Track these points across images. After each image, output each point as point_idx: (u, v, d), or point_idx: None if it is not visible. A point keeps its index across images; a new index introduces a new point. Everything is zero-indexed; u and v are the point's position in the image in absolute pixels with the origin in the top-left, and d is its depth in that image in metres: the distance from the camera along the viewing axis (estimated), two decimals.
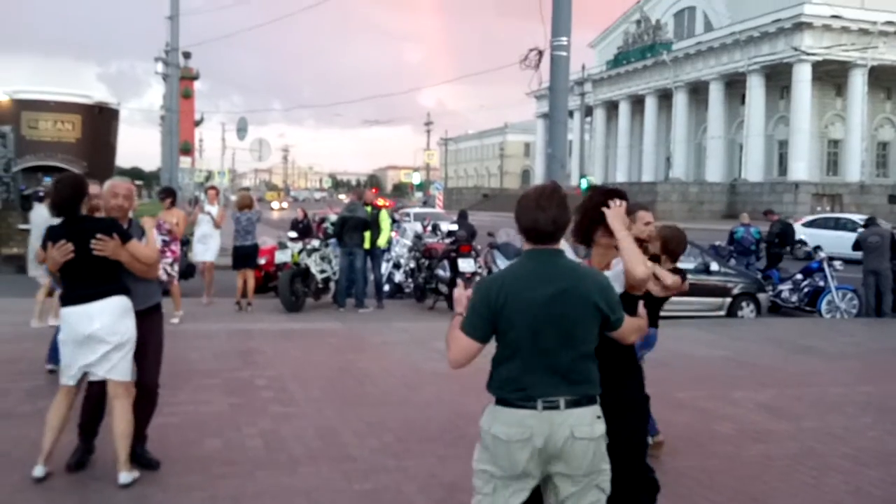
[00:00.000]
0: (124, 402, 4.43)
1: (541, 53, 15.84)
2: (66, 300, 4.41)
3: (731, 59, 56.58)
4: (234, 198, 34.08)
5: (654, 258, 4.83)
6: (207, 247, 12.21)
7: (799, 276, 13.76)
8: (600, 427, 2.68)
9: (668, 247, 4.98)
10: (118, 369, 4.38)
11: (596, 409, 2.69)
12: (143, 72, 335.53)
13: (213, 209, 12.44)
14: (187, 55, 31.63)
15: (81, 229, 4.33)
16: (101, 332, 4.29)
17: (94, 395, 4.62)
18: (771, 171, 56.43)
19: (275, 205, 76.62)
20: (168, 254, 9.00)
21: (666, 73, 63.48)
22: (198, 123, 38.97)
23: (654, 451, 5.28)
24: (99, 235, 4.27)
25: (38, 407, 5.35)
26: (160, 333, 4.87)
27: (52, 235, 4.38)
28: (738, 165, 58.79)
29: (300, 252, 12.20)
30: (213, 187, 13.85)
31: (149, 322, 4.66)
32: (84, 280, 4.34)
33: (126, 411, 4.42)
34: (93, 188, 4.75)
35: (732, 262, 15.04)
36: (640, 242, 5.12)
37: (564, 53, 14.67)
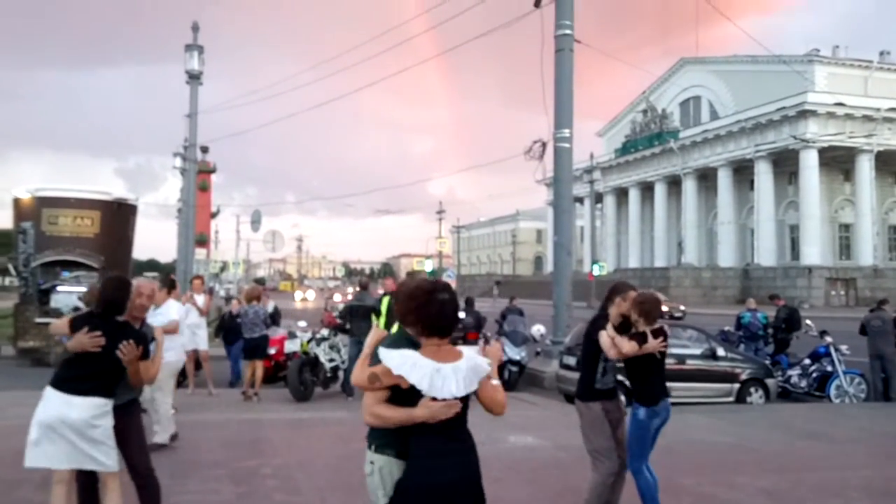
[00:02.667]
0: (113, 488, 4.53)
1: (544, 145, 16.34)
2: (58, 383, 4.51)
3: (737, 147, 57.51)
4: (246, 287, 34.51)
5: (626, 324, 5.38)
6: (198, 336, 12.30)
7: (807, 361, 13.75)
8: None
9: (643, 308, 5.27)
10: (100, 462, 4.47)
11: None
12: (159, 166, 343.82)
13: (199, 298, 12.55)
14: (205, 149, 32.56)
15: (119, 332, 4.54)
16: (78, 423, 4.38)
17: (85, 484, 4.72)
18: (784, 256, 56.55)
19: (297, 295, 73.15)
20: None
21: (674, 160, 64.47)
22: (214, 215, 39.75)
23: None
24: (130, 342, 4.50)
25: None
26: (139, 421, 5.05)
27: (90, 323, 4.53)
28: (750, 250, 59.00)
29: (309, 341, 12.37)
30: (198, 277, 13.98)
31: (128, 414, 4.84)
32: (89, 373, 4.49)
33: (116, 499, 4.53)
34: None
35: (741, 347, 15.06)
36: (621, 317, 5.48)
37: (567, 145, 15.15)
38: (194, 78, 23.70)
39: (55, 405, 4.44)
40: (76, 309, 13.89)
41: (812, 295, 48.13)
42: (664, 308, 5.10)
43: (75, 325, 4.58)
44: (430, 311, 3.04)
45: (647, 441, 5.34)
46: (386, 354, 2.95)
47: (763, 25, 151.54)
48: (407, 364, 2.91)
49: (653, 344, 5.23)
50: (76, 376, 4.51)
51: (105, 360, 4.48)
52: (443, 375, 2.90)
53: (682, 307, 39.73)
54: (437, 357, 2.96)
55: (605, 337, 5.35)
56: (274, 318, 12.97)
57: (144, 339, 4.67)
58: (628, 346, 5.19)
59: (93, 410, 4.46)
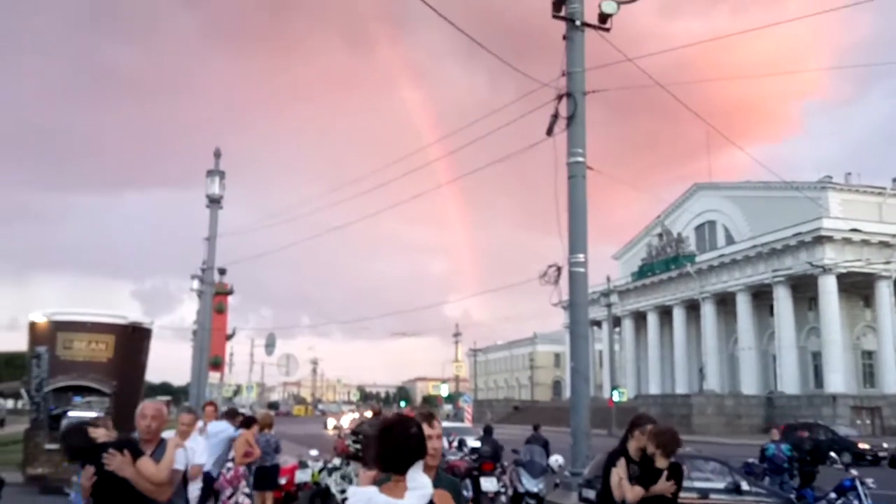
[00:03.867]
0: None
1: (559, 269, 16.33)
2: None
3: (755, 271, 57.44)
4: (261, 410, 34.00)
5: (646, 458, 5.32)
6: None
7: (833, 495, 13.12)
8: None
9: (659, 441, 5.25)
10: None
11: None
12: (175, 288, 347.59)
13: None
14: (223, 271, 32.91)
15: (100, 453, 4.44)
16: None
17: None
18: (807, 383, 55.34)
19: (330, 422, 59.81)
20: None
21: (691, 285, 64.35)
22: (229, 337, 39.65)
23: None
24: (110, 451, 4.38)
25: None
26: None
27: (84, 463, 4.53)
28: (773, 377, 57.87)
29: (321, 471, 12.02)
30: (210, 403, 13.65)
31: None
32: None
33: None
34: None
35: (766, 480, 14.46)
36: (639, 450, 5.38)
37: (582, 270, 15.11)
38: (215, 202, 24.23)
39: None
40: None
41: (837, 423, 46.71)
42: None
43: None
44: (384, 447, 3.04)
45: None
46: (352, 492, 3.05)
47: (773, 152, 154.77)
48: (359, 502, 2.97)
49: (662, 486, 5.15)
50: None
51: (110, 484, 4.35)
52: None
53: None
54: (392, 494, 2.96)
55: (615, 476, 5.34)
56: None
57: (126, 442, 4.58)
58: (632, 495, 5.19)
59: None
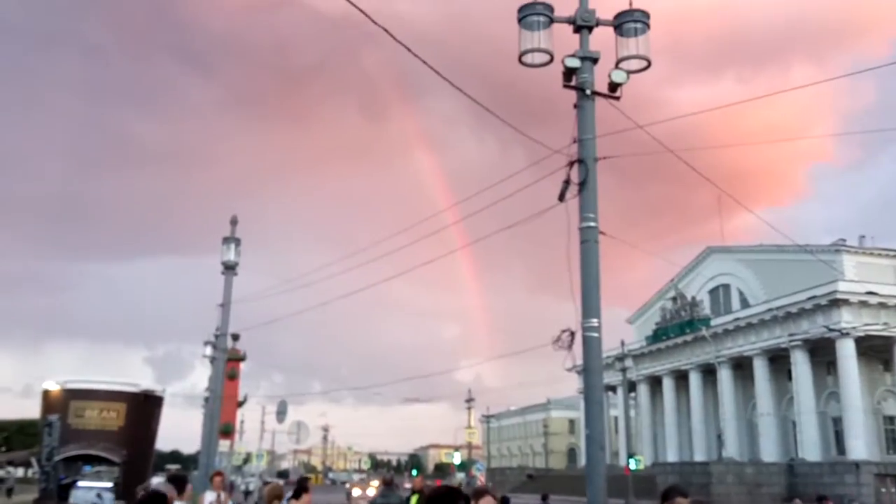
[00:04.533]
0: None
1: (573, 334, 16.19)
2: None
3: (771, 335, 56.85)
4: (269, 480, 33.44)
5: None
6: None
7: None
8: None
9: None
10: None
11: None
12: (188, 354, 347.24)
13: (212, 494, 11.78)
14: (236, 337, 32.82)
15: None
16: None
17: None
18: (829, 450, 54.12)
19: (356, 492, 55.53)
20: None
21: (707, 348, 63.69)
22: (241, 404, 39.39)
23: None
24: None
25: None
26: None
27: None
28: (793, 443, 56.70)
29: None
30: (219, 473, 13.29)
31: None
32: None
33: None
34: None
35: None
36: None
37: (596, 334, 14.95)
38: (230, 269, 24.34)
39: None
40: None
41: (862, 492, 45.52)
42: None
43: None
44: None
45: None
46: None
47: (782, 215, 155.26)
48: None
49: None
50: None
51: None
52: None
53: None
54: None
55: None
56: None
57: None
58: None
59: None
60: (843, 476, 47.54)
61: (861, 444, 49.67)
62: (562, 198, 15.01)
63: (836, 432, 54.66)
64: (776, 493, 50.21)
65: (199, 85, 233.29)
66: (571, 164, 14.14)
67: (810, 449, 53.17)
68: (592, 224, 14.77)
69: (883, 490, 46.96)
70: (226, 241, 24.56)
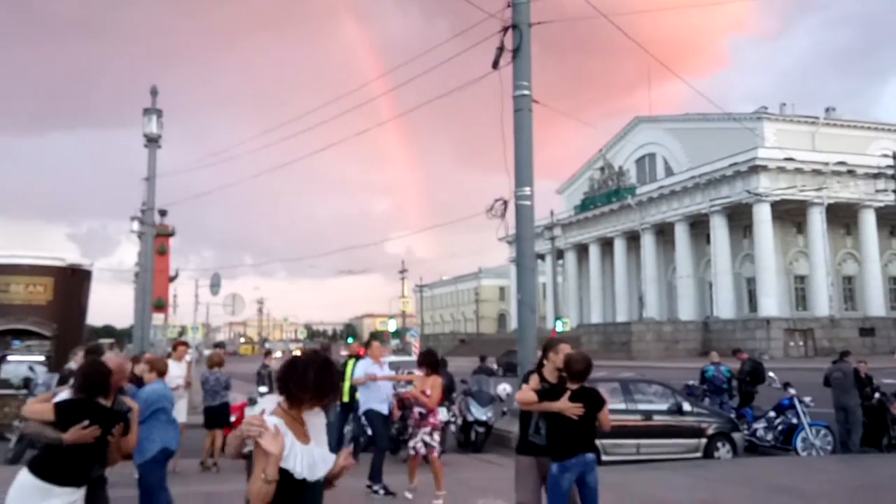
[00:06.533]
0: None
1: (506, 203, 16.41)
2: (44, 472, 4.31)
3: (693, 202, 58.68)
4: (207, 352, 33.75)
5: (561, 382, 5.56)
6: (178, 407, 11.70)
7: (772, 414, 13.76)
8: None
9: (570, 368, 5.43)
10: None
11: None
12: (113, 230, 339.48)
13: (180, 366, 11.90)
14: (163, 213, 32.10)
15: (110, 418, 4.49)
16: None
17: None
18: (742, 308, 57.36)
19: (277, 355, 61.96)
20: (427, 425, 8.78)
21: (632, 216, 65.50)
22: (172, 279, 39.02)
23: None
24: (119, 426, 4.53)
25: None
26: (106, 497, 4.93)
27: (81, 412, 4.39)
28: (709, 303, 59.73)
29: None
30: (182, 343, 13.35)
31: (98, 489, 4.71)
32: (76, 463, 4.36)
33: None
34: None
35: (706, 401, 15.04)
36: (556, 371, 5.68)
37: (528, 203, 15.21)
38: (153, 141, 23.49)
39: (33, 494, 4.24)
40: (27, 380, 13.40)
41: (771, 346, 48.69)
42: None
43: (64, 413, 4.39)
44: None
45: (559, 495, 5.34)
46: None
47: (709, 85, 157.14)
48: None
49: (562, 405, 5.31)
50: (62, 466, 4.32)
51: (94, 449, 4.37)
52: None
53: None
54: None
55: (523, 388, 5.70)
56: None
57: (126, 418, 4.66)
58: (522, 395, 5.56)
59: (70, 499, 4.31)
60: (754, 332, 50.63)
61: (772, 302, 52.72)
62: (496, 65, 14.80)
63: (749, 292, 57.82)
64: (692, 348, 53.30)
65: None
66: (505, 29, 13.90)
67: (725, 307, 56.23)
68: (526, 92, 14.70)
69: (791, 344, 50.32)
70: (147, 112, 23.56)
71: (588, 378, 5.50)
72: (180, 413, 11.57)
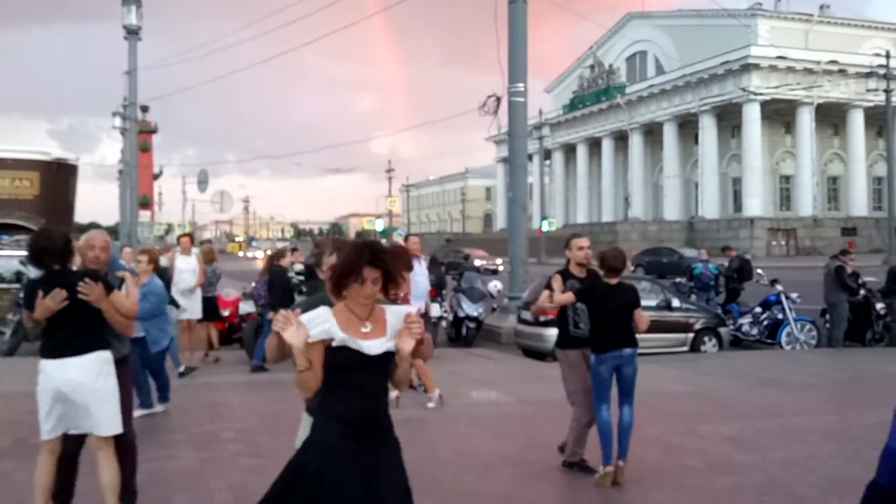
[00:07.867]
0: (107, 451, 4.35)
1: (499, 100, 16.15)
2: (48, 352, 4.30)
3: (682, 101, 58.10)
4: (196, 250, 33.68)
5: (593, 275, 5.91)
6: (192, 304, 11.16)
7: (758, 310, 14.02)
8: None
9: (605, 264, 5.66)
10: (103, 424, 4.30)
11: None
12: (94, 127, 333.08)
13: (189, 260, 11.42)
14: (145, 109, 31.48)
15: (69, 280, 4.25)
16: (81, 388, 4.21)
17: (67, 455, 4.49)
18: (727, 208, 57.70)
19: (259, 255, 60.70)
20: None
21: (621, 116, 64.90)
22: (156, 177, 38.63)
23: (602, 482, 5.38)
24: (87, 280, 4.24)
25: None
26: (128, 385, 4.87)
27: (42, 286, 4.25)
28: (694, 203, 60.03)
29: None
30: (187, 234, 13.00)
31: (118, 374, 4.60)
32: (73, 331, 4.26)
33: (111, 460, 4.34)
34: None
35: (693, 297, 15.28)
36: (579, 266, 5.95)
37: (522, 99, 14.98)
38: (132, 33, 22.76)
39: (54, 373, 4.23)
40: (18, 273, 13.37)
41: (754, 245, 49.29)
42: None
43: (26, 296, 4.31)
44: None
45: (602, 385, 5.62)
46: None
47: None
48: None
49: (559, 298, 5.70)
50: (62, 339, 4.27)
51: (80, 312, 4.24)
52: None
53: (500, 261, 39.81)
54: None
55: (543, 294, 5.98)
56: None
57: (98, 274, 4.42)
58: (544, 298, 5.91)
59: (94, 366, 4.29)
60: (738, 231, 51.15)
61: (757, 202, 53.05)
62: None
63: (734, 192, 58.07)
64: (676, 247, 53.82)
65: None
66: None
67: (710, 208, 56.57)
68: None
69: (774, 243, 50.96)
70: (125, 2, 22.74)
71: (623, 273, 5.75)
72: (195, 310, 11.35)
